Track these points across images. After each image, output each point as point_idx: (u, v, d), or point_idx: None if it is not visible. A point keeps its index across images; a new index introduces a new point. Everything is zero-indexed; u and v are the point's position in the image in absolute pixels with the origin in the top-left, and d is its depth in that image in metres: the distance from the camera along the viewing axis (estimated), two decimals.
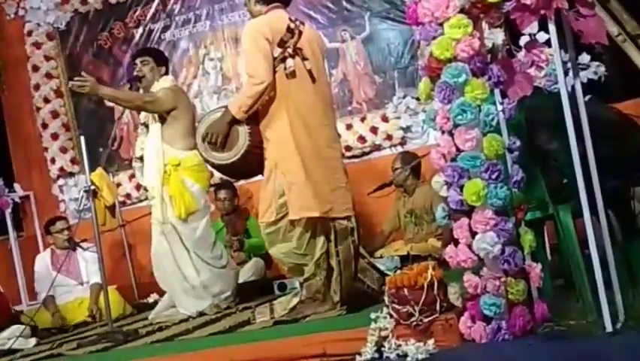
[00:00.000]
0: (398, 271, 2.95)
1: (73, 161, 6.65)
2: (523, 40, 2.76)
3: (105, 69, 6.64)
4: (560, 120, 2.41)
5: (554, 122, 2.55)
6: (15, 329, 4.63)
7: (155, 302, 5.51)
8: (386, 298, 2.82)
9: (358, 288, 3.61)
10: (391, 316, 2.75)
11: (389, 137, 5.64)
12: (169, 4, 6.42)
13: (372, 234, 5.23)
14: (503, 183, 2.48)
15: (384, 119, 5.66)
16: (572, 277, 2.77)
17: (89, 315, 5.20)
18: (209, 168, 4.03)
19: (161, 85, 4.48)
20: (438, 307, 2.70)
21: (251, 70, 3.48)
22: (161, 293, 5.67)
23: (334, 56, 5.81)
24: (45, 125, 6.68)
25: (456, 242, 2.56)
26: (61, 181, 6.68)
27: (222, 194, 5.51)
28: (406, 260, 4.38)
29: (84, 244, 5.50)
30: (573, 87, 2.50)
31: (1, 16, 6.83)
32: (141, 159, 4.52)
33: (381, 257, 4.63)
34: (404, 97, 5.63)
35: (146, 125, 4.57)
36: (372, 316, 2.77)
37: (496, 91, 2.55)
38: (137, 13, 6.51)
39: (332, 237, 3.53)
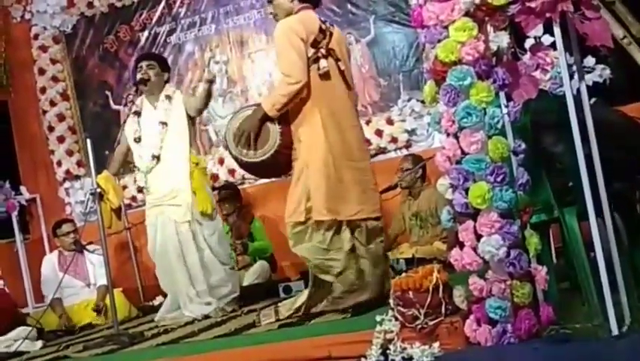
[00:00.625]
0: (403, 274, 2.94)
1: (79, 164, 6.68)
2: (528, 43, 2.76)
3: (111, 72, 6.67)
4: (565, 123, 2.41)
5: (560, 125, 2.54)
6: (21, 331, 4.66)
7: (161, 305, 5.53)
8: (391, 301, 2.82)
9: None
10: (396, 319, 2.74)
11: (394, 140, 5.65)
12: (174, 7, 6.45)
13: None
14: (508, 185, 2.48)
15: (390, 122, 5.66)
16: (577, 279, 2.76)
17: (93, 309, 5.20)
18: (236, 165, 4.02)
19: (169, 91, 4.56)
20: (443, 310, 2.69)
21: (286, 69, 3.46)
22: (166, 295, 5.70)
23: None
24: (51, 128, 6.71)
25: (461, 245, 2.55)
26: (67, 184, 6.71)
27: (223, 195, 5.52)
28: (411, 263, 4.38)
29: (90, 247, 5.52)
30: (578, 90, 2.50)
31: (7, 20, 6.87)
32: (158, 158, 4.49)
33: None
34: (409, 100, 5.64)
35: (138, 113, 4.58)
36: (378, 318, 2.77)
37: (502, 94, 2.54)
38: (143, 16, 6.54)
39: (363, 238, 3.54)
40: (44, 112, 6.73)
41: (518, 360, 2.44)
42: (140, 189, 4.59)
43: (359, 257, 3.53)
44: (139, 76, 4.54)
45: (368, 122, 5.64)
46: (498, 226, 2.46)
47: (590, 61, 4.52)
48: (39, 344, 4.63)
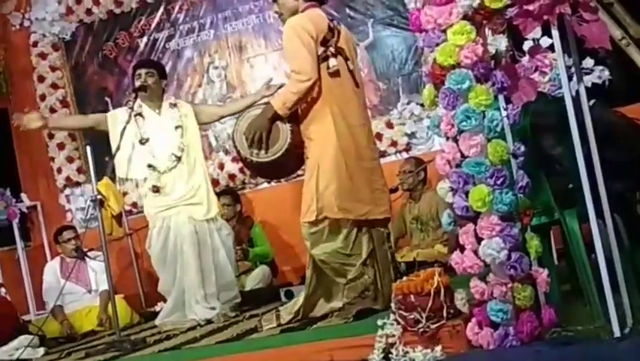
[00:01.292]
0: (404, 278, 2.94)
1: (79, 170, 6.68)
2: (526, 46, 2.77)
3: (110, 79, 6.68)
4: (564, 125, 2.41)
5: (559, 127, 2.55)
6: (23, 339, 4.65)
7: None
8: (393, 305, 2.82)
9: None
10: (398, 322, 2.74)
11: (394, 143, 5.65)
12: (173, 13, 6.46)
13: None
14: (508, 188, 2.48)
15: (389, 125, 5.67)
16: (579, 281, 2.76)
17: (98, 324, 5.21)
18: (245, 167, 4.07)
19: (170, 100, 4.73)
20: (445, 314, 2.69)
21: (297, 66, 3.43)
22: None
23: None
24: (51, 136, 6.72)
25: (462, 248, 2.55)
26: (67, 191, 6.71)
27: (223, 200, 5.51)
28: (412, 266, 4.38)
29: (91, 253, 5.52)
30: (577, 92, 2.50)
31: (6, 27, 6.88)
32: (179, 158, 4.56)
33: None
34: (408, 103, 5.64)
35: (141, 115, 4.61)
36: (379, 323, 2.77)
37: (500, 97, 2.55)
38: (142, 22, 6.55)
39: (376, 241, 3.54)
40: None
41: None
42: (156, 189, 4.55)
43: (374, 264, 3.52)
44: (138, 83, 4.57)
45: None
46: (499, 228, 2.46)
47: (588, 62, 4.53)
48: (41, 351, 4.62)
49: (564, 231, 2.79)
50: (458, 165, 2.53)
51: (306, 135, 3.53)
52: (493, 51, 2.58)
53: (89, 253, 5.53)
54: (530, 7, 2.35)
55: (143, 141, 4.58)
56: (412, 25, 2.63)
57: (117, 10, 6.60)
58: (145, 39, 6.54)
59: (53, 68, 6.78)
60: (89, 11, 6.66)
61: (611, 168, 2.49)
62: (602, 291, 2.39)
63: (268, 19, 6.13)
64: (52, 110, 6.71)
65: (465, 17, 2.48)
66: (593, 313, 2.53)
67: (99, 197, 4.29)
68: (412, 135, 5.64)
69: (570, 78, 2.52)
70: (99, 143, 6.13)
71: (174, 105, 4.73)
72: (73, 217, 6.65)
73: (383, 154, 5.66)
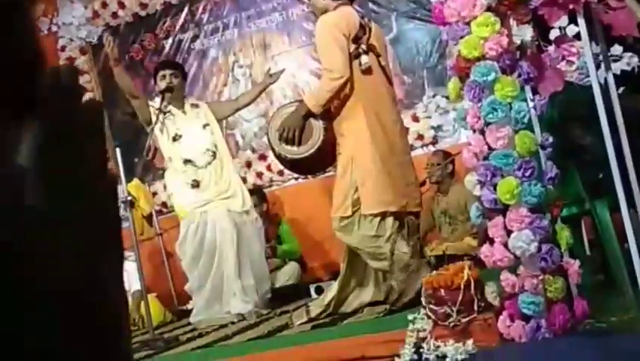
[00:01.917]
0: (434, 272, 2.93)
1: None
2: (552, 35, 2.73)
3: (137, 81, 6.73)
4: (593, 114, 2.38)
5: (588, 116, 2.52)
6: None
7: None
8: (423, 300, 2.81)
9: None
10: (429, 317, 2.74)
11: (420, 136, 5.62)
12: (197, 13, 6.49)
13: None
14: (537, 180, 2.46)
15: (415, 119, 5.64)
16: (611, 272, 2.73)
17: (131, 324, 5.29)
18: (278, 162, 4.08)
19: (192, 100, 4.83)
20: (475, 307, 2.68)
21: (329, 64, 3.47)
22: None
23: None
24: None
25: (491, 241, 2.54)
26: None
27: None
28: (441, 260, 4.35)
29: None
30: (605, 80, 2.47)
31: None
32: (214, 154, 4.67)
33: None
34: (434, 96, 5.60)
35: (172, 113, 4.68)
36: (410, 317, 2.77)
37: (527, 88, 2.53)
38: (167, 24, 6.59)
39: (405, 231, 3.54)
40: None
41: (553, 356, 2.42)
42: (196, 183, 4.62)
43: (405, 240, 3.52)
44: (164, 84, 4.63)
45: None
46: (528, 220, 2.44)
47: (617, 49, 4.45)
48: None
49: (595, 221, 2.76)
50: (486, 158, 2.51)
51: (339, 132, 3.56)
52: (519, 42, 2.56)
53: None
54: None
55: (176, 138, 4.64)
56: (435, 18, 2.62)
57: (142, 13, 6.65)
58: (170, 40, 6.58)
59: (81, 72, 6.86)
60: (114, 14, 6.73)
61: None
62: (635, 281, 2.36)
63: (291, 16, 6.14)
64: None
65: (489, 9, 2.47)
66: (627, 304, 2.51)
67: (129, 198, 4.35)
68: (438, 128, 5.60)
69: (598, 66, 2.49)
70: (128, 145, 6.26)
71: (196, 105, 4.84)
72: None
73: (410, 148, 5.64)
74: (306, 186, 5.88)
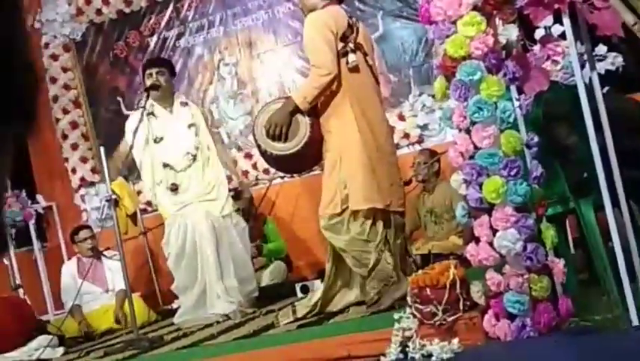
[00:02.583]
0: (420, 271, 2.93)
1: (93, 170, 6.71)
2: (538, 35, 2.74)
3: (122, 78, 6.70)
4: (578, 113, 2.39)
5: (572, 116, 2.53)
6: (42, 339, 4.69)
7: (179, 308, 5.55)
8: (409, 298, 2.81)
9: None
10: (415, 316, 2.74)
11: (406, 135, 5.63)
12: (182, 11, 6.46)
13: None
14: (523, 179, 2.47)
15: (401, 117, 5.64)
16: (596, 270, 2.75)
17: (115, 320, 5.24)
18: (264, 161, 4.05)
19: (181, 98, 4.78)
20: (461, 306, 2.69)
21: (317, 61, 3.46)
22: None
23: None
24: (65, 136, 6.76)
25: (477, 240, 2.54)
26: (82, 191, 6.75)
27: (234, 196, 5.52)
28: (427, 259, 4.36)
29: (107, 253, 5.55)
30: (590, 79, 2.48)
31: None
32: (195, 157, 4.60)
33: None
34: (420, 95, 5.61)
35: (153, 115, 4.64)
36: (396, 316, 2.77)
37: (512, 87, 2.53)
38: (152, 21, 6.55)
39: (391, 233, 3.55)
40: (57, 120, 6.77)
41: (538, 354, 2.42)
42: (174, 187, 4.57)
43: (390, 251, 3.53)
44: (149, 82, 4.58)
45: None
46: (513, 219, 2.45)
47: (601, 49, 4.48)
48: (60, 351, 4.66)
49: (580, 220, 2.77)
50: (471, 157, 2.51)
51: (326, 129, 3.55)
52: (504, 41, 2.55)
53: (105, 253, 5.57)
54: None
55: (157, 140, 4.59)
56: (421, 17, 2.62)
57: (127, 10, 6.61)
58: (155, 38, 6.55)
59: (65, 69, 6.81)
60: (98, 11, 6.68)
61: (627, 155, 2.47)
62: (620, 280, 2.37)
63: (277, 14, 6.12)
64: (65, 111, 6.75)
65: (475, 8, 2.47)
66: (611, 303, 2.52)
67: (114, 197, 4.31)
68: (424, 127, 5.61)
69: (583, 66, 2.49)
70: (112, 143, 6.22)
71: (185, 104, 4.76)
72: (89, 217, 6.68)
73: (396, 147, 5.64)
74: (292, 184, 5.87)
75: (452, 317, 2.67)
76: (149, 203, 6.43)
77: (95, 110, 6.77)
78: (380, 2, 5.75)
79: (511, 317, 2.51)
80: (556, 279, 2.52)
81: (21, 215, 6.19)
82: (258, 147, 3.68)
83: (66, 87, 6.78)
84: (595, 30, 2.37)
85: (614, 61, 4.51)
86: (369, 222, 3.47)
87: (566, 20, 2.35)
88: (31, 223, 6.30)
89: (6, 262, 6.04)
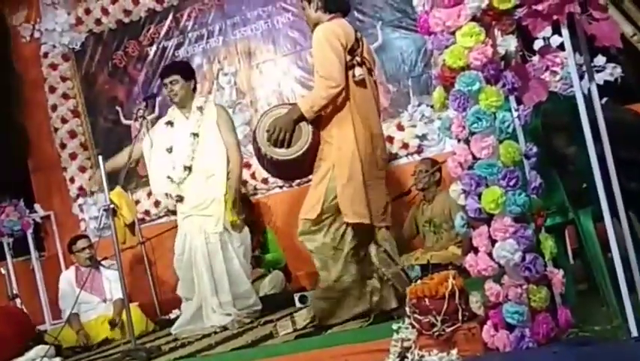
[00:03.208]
0: (419, 281, 2.93)
1: (91, 180, 6.71)
2: (537, 45, 2.74)
3: (121, 88, 6.71)
4: (576, 124, 2.39)
5: (571, 127, 2.53)
6: (40, 349, 4.67)
7: (177, 318, 5.53)
8: (407, 309, 2.80)
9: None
10: (413, 326, 2.73)
11: (405, 145, 5.64)
12: (182, 21, 6.48)
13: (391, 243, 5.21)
14: (521, 189, 2.46)
15: (400, 127, 5.65)
16: (595, 281, 2.74)
17: (109, 322, 5.21)
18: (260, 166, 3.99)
19: (199, 102, 4.61)
20: (460, 317, 2.68)
21: (326, 72, 3.45)
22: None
23: None
24: (63, 146, 6.76)
25: (476, 250, 2.54)
26: (80, 200, 6.75)
27: None
28: (426, 269, 4.36)
29: (105, 262, 5.54)
30: (589, 90, 2.48)
31: (17, 39, 6.93)
32: (190, 168, 4.55)
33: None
34: (419, 105, 5.63)
35: (171, 124, 4.61)
36: (394, 327, 2.76)
37: (511, 98, 2.53)
38: (151, 31, 6.57)
39: (373, 247, 3.57)
40: (56, 130, 6.78)
41: None
42: (179, 199, 4.57)
43: (358, 264, 3.54)
44: (165, 93, 4.58)
45: None
46: (512, 230, 2.44)
47: (600, 60, 4.49)
48: None
49: (579, 230, 2.77)
50: (470, 167, 2.51)
51: (325, 139, 3.56)
52: (503, 52, 2.56)
53: (102, 262, 5.55)
54: (539, 7, 2.34)
55: (169, 150, 4.59)
56: (420, 28, 2.62)
57: (126, 20, 6.63)
58: (154, 47, 6.56)
59: (64, 79, 6.82)
60: (98, 21, 6.70)
61: (625, 166, 2.47)
62: (619, 290, 2.37)
63: (276, 24, 6.14)
64: (64, 121, 6.76)
65: (474, 19, 2.47)
66: (610, 313, 2.51)
67: (112, 206, 4.31)
68: (423, 137, 5.62)
69: (581, 77, 2.50)
70: (111, 152, 6.21)
71: (200, 109, 4.65)
72: (87, 227, 6.68)
73: (395, 157, 5.66)
74: (290, 194, 5.87)
75: (451, 328, 2.66)
76: (147, 212, 6.44)
77: (94, 120, 6.78)
78: (379, 13, 5.77)
79: (510, 328, 2.50)
80: (555, 290, 2.51)
81: (19, 224, 6.19)
82: (258, 150, 3.66)
83: (65, 96, 6.79)
84: (594, 41, 2.37)
85: (612, 72, 4.52)
86: (341, 229, 3.50)
87: (565, 31, 2.36)
88: (29, 233, 6.29)
89: (3, 271, 6.03)
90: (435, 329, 2.66)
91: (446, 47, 2.51)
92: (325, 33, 3.49)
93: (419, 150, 5.63)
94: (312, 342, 3.28)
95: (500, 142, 2.48)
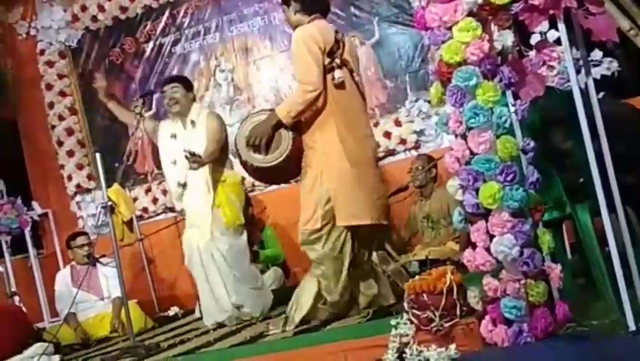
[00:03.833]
0: (417, 277, 2.93)
1: (89, 177, 6.70)
2: (533, 40, 2.74)
3: (117, 85, 6.69)
4: (573, 119, 2.39)
5: (568, 121, 2.53)
6: (38, 347, 4.66)
7: (176, 315, 5.54)
8: (406, 304, 2.81)
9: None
10: (412, 322, 2.74)
11: (403, 141, 5.63)
12: (178, 17, 6.46)
13: (390, 240, 5.22)
14: (519, 184, 2.47)
15: (398, 123, 5.65)
16: (593, 275, 2.75)
17: (111, 330, 5.23)
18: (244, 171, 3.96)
19: (193, 115, 4.52)
20: (458, 312, 2.69)
21: (303, 77, 3.45)
22: (181, 306, 5.71)
23: None
24: (60, 143, 6.74)
25: (474, 246, 2.54)
26: (78, 198, 6.73)
27: None
28: (424, 265, 4.36)
29: (103, 260, 5.53)
30: (586, 85, 2.48)
31: (13, 37, 6.91)
32: (184, 185, 4.51)
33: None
34: (416, 100, 5.62)
35: (174, 136, 4.59)
36: (393, 322, 2.76)
37: (508, 93, 2.53)
38: (147, 27, 6.55)
39: (374, 245, 3.61)
40: (53, 127, 6.76)
41: (536, 360, 2.42)
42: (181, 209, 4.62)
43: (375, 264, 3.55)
44: (165, 102, 4.52)
45: (376, 125, 5.61)
46: (510, 225, 2.45)
47: (597, 54, 4.49)
48: (56, 358, 4.63)
49: (576, 225, 2.78)
50: (467, 163, 2.51)
51: (308, 145, 3.54)
52: (500, 47, 2.56)
53: (100, 260, 5.54)
54: (536, 2, 2.34)
55: (174, 163, 4.54)
56: (417, 23, 2.62)
57: (122, 16, 6.61)
58: (151, 44, 6.55)
59: (61, 76, 6.80)
60: (94, 18, 6.68)
61: (623, 160, 2.48)
62: (616, 285, 2.37)
63: (273, 20, 6.13)
64: (61, 118, 6.74)
65: (470, 14, 2.47)
66: (608, 308, 2.52)
67: (109, 203, 4.30)
68: (420, 133, 5.62)
69: (578, 71, 2.50)
70: (108, 149, 6.21)
71: (193, 123, 4.53)
72: (85, 224, 6.67)
73: (392, 152, 5.66)
74: (289, 191, 5.84)
75: (449, 323, 2.67)
76: (145, 210, 6.44)
77: (91, 117, 6.76)
78: (376, 8, 5.76)
79: (508, 323, 2.50)
80: (553, 284, 2.52)
81: (17, 222, 6.17)
82: (239, 156, 3.67)
83: (62, 94, 6.77)
84: (590, 35, 2.37)
85: (609, 66, 4.53)
86: (342, 238, 3.50)
87: (562, 26, 2.36)
88: (27, 231, 6.28)
89: (1, 269, 6.02)
90: (433, 325, 2.67)
91: (443, 42, 2.52)
92: (303, 37, 3.47)
93: (417, 146, 5.63)
94: (311, 338, 3.29)
95: (497, 137, 2.49)
